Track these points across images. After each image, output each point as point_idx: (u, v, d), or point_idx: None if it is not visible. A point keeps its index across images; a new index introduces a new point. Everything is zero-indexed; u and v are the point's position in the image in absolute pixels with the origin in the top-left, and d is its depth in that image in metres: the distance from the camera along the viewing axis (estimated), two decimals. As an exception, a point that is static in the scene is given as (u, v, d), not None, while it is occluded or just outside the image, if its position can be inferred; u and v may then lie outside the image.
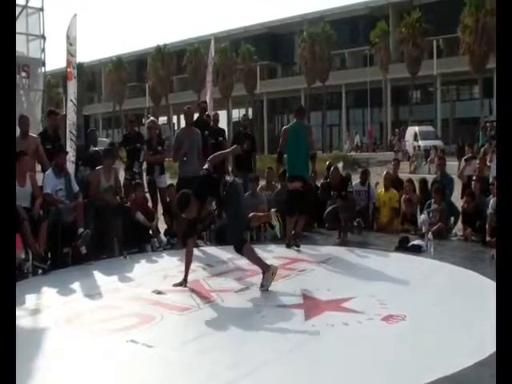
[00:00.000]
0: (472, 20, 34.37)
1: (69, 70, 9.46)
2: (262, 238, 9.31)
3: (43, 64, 12.43)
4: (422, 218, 9.46)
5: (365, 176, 10.67)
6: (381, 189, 10.49)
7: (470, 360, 4.00)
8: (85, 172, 9.16)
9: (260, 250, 8.33)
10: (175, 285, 6.28)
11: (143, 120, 57.24)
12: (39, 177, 8.21)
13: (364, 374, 3.92)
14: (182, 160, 9.00)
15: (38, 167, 8.65)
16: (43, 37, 12.49)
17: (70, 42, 9.39)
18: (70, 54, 9.40)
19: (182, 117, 9.41)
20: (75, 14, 9.52)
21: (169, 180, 9.80)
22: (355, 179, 10.92)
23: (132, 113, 53.67)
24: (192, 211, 6.10)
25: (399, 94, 43.46)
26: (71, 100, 9.41)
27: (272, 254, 8.05)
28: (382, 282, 6.37)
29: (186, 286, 6.22)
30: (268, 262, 7.28)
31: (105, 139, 29.04)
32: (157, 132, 10.08)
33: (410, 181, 10.48)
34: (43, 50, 12.43)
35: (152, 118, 10.46)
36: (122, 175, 9.83)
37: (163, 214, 9.57)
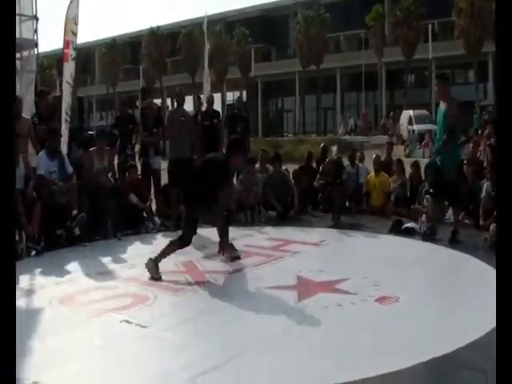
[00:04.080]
0: (467, 3, 34.21)
1: (66, 50, 9.34)
2: (257, 220, 9.35)
3: (36, 45, 12.32)
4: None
5: (353, 157, 10.62)
6: (371, 173, 10.34)
7: (462, 340, 4.02)
8: (78, 152, 9.10)
9: (255, 232, 8.39)
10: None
11: (137, 102, 56.94)
12: (32, 159, 8.13)
13: (357, 354, 3.93)
14: (172, 141, 8.92)
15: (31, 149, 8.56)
16: (36, 17, 12.36)
17: (75, 22, 9.27)
18: (73, 33, 9.29)
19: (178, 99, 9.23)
20: None
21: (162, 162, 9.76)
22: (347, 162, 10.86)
23: (126, 95, 53.31)
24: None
25: (394, 77, 43.29)
26: (67, 81, 9.32)
27: (266, 235, 8.05)
28: (376, 264, 6.37)
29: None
30: (262, 243, 7.36)
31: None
32: (154, 113, 9.94)
33: (399, 161, 10.36)
34: (36, 31, 12.31)
35: (149, 99, 10.36)
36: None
37: (155, 196, 9.53)
